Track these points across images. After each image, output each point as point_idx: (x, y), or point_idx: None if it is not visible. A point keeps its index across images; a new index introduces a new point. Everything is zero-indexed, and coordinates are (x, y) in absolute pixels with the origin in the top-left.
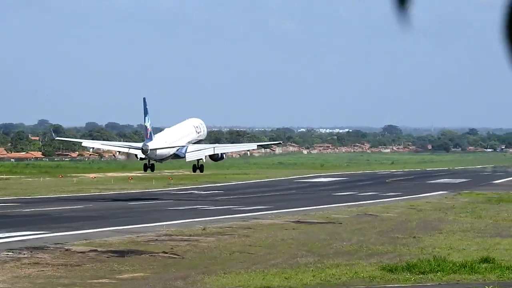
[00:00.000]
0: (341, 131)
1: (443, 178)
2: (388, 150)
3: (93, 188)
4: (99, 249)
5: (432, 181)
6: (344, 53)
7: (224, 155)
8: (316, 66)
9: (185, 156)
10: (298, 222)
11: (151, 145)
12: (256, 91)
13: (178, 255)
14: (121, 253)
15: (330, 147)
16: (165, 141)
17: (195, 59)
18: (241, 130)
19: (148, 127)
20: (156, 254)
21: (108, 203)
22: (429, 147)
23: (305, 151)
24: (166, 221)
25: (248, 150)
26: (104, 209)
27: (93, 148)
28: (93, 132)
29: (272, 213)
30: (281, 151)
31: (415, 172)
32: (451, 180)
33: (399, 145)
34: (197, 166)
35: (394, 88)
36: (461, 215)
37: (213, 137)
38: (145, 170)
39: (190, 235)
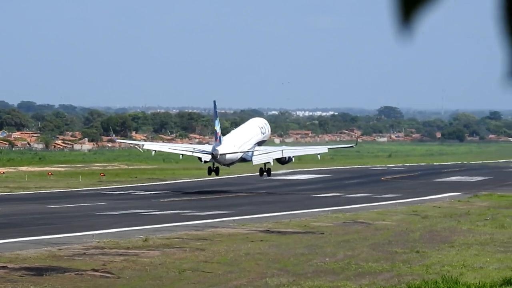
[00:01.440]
0: (324, 114)
1: (455, 176)
2: (385, 139)
3: (1, 187)
4: (9, 265)
5: (441, 180)
6: (328, 13)
7: (292, 158)
8: (292, 31)
9: (251, 160)
10: (268, 231)
11: (220, 149)
12: (213, 63)
13: (112, 273)
14: (39, 271)
15: (310, 134)
16: (233, 144)
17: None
18: (194, 112)
19: (218, 131)
20: (83, 273)
21: (21, 206)
22: (438, 135)
23: (277, 140)
24: (97, 230)
25: (318, 154)
26: (16, 214)
27: (155, 151)
28: (2, 113)
29: (234, 219)
30: None
31: (419, 167)
32: (465, 178)
33: (399, 132)
34: (264, 170)
35: (393, 58)
36: (478, 224)
37: (158, 120)
38: (209, 173)
39: (128, 248)
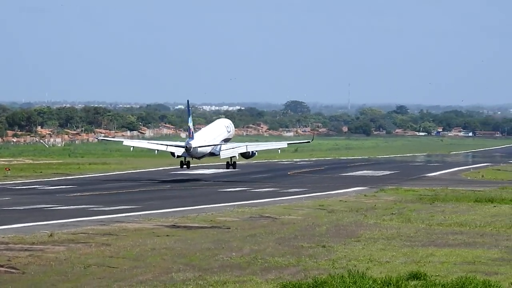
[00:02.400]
0: (230, 108)
1: (362, 170)
2: (292, 133)
3: None
4: None
5: (347, 174)
6: (235, 9)
7: (255, 152)
8: (200, 26)
9: (219, 154)
10: (174, 226)
11: (193, 143)
12: (120, 58)
13: (17, 269)
14: None
15: (197, 127)
16: (204, 139)
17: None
18: (100, 107)
19: (191, 127)
20: None
21: None
22: (345, 129)
23: (183, 134)
24: (1, 225)
25: (278, 148)
26: None
27: (133, 147)
28: None
29: (140, 214)
30: (152, 134)
31: (325, 161)
32: (372, 172)
33: (305, 126)
34: (230, 163)
35: (299, 53)
36: (384, 218)
37: (64, 115)
38: (181, 167)
39: (33, 243)
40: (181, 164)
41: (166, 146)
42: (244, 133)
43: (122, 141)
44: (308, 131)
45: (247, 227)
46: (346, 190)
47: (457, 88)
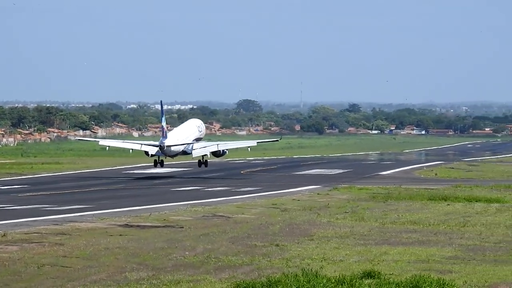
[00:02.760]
0: (183, 107)
1: (314, 169)
2: (244, 132)
3: None
4: None
5: (300, 172)
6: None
7: (226, 151)
8: (150, 25)
9: (191, 153)
10: (127, 226)
11: (167, 142)
12: (71, 57)
13: None
14: None
15: (169, 128)
16: (177, 139)
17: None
18: (52, 107)
19: (164, 127)
20: None
21: None
22: (297, 128)
23: (136, 133)
24: None
25: (248, 147)
26: None
27: (109, 147)
28: None
29: (93, 214)
30: (104, 134)
31: (278, 160)
32: (325, 170)
33: (258, 125)
34: (202, 162)
35: (251, 51)
36: (338, 217)
37: (16, 115)
38: (155, 165)
39: None
40: (155, 162)
41: (140, 145)
42: None
43: (98, 141)
44: (261, 130)
45: (200, 226)
46: (299, 189)
47: (409, 86)
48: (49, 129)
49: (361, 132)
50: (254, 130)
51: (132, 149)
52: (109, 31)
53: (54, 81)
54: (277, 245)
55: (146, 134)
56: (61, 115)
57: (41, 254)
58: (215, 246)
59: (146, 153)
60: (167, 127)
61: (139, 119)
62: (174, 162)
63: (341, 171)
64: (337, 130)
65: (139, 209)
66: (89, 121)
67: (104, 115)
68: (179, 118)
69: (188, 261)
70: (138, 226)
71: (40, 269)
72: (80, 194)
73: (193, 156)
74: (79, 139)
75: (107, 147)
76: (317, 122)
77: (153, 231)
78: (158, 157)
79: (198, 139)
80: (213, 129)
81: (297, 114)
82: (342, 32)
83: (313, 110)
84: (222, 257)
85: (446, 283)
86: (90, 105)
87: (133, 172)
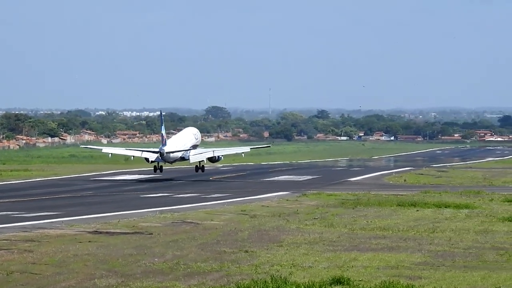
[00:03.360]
0: (151, 114)
1: (283, 175)
2: (213, 139)
3: None
4: None
5: (269, 179)
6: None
7: (221, 157)
8: (118, 30)
9: (189, 159)
10: (96, 232)
11: (166, 149)
12: (38, 64)
13: None
14: None
15: (138, 134)
16: (175, 146)
17: None
18: (20, 114)
19: (164, 135)
20: None
21: None
22: (266, 134)
23: (105, 140)
24: None
25: (242, 153)
26: None
27: (111, 154)
28: None
29: (62, 220)
30: (73, 141)
31: (247, 167)
32: (294, 177)
33: (227, 131)
34: (199, 167)
35: (220, 57)
36: (307, 223)
37: None
38: (155, 171)
39: None
40: (155, 168)
41: (141, 152)
42: None
43: (102, 149)
44: (230, 137)
45: (169, 232)
46: (268, 195)
47: (379, 92)
48: (17, 136)
49: (330, 139)
50: (223, 137)
51: (133, 156)
52: (78, 37)
53: (22, 88)
54: (246, 251)
55: (115, 141)
56: (30, 122)
57: (10, 261)
58: (184, 252)
59: (147, 159)
60: (166, 135)
61: (107, 126)
62: (143, 169)
63: (310, 177)
64: (305, 137)
65: (108, 216)
66: (57, 128)
67: (73, 122)
68: (148, 125)
69: (157, 268)
70: (107, 232)
71: (9, 276)
72: (49, 201)
73: (191, 161)
74: (84, 147)
75: (110, 155)
76: (285, 128)
77: (122, 238)
78: (158, 163)
79: (194, 146)
80: None
81: (266, 121)
82: (311, 38)
83: (282, 117)
84: (191, 264)
85: None
86: (59, 112)
87: (102, 179)
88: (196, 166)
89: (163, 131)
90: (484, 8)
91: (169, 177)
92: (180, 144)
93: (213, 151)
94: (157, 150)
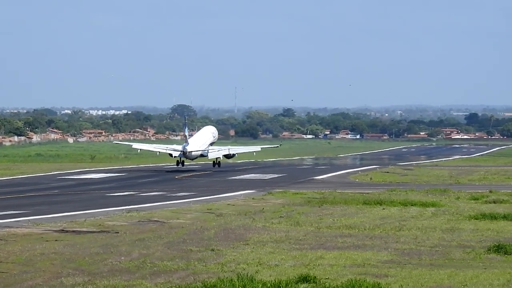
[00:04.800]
0: (117, 112)
1: (249, 173)
2: (179, 137)
3: None
4: None
5: (235, 177)
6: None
7: (236, 154)
8: (80, 24)
9: (207, 155)
10: (63, 231)
11: (189, 148)
12: (3, 62)
13: None
14: None
15: (104, 133)
16: (197, 145)
17: None
18: None
19: (187, 135)
20: None
21: None
22: (232, 133)
23: (71, 139)
24: None
25: (254, 152)
26: None
27: (140, 149)
28: None
29: (29, 219)
30: (39, 139)
31: (213, 165)
32: (259, 175)
33: (192, 130)
34: (216, 162)
35: (185, 56)
36: (273, 221)
37: None
38: (177, 165)
39: None
40: (177, 162)
41: (166, 148)
42: (131, 137)
43: (132, 145)
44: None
45: (135, 231)
46: (234, 193)
47: (344, 90)
48: None
49: (296, 137)
50: (189, 135)
51: (159, 152)
52: (44, 34)
53: None
54: (213, 249)
55: (81, 139)
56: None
57: None
58: (151, 251)
59: (170, 155)
60: (188, 134)
61: (73, 125)
62: (109, 167)
63: (275, 175)
64: (271, 135)
65: (74, 214)
66: (23, 127)
67: (39, 121)
68: (114, 123)
69: (124, 266)
70: (73, 231)
71: None
72: (15, 199)
73: (209, 158)
74: (116, 143)
75: (139, 150)
76: (251, 127)
77: (88, 237)
78: (180, 158)
79: (212, 143)
80: (147, 135)
81: (232, 119)
82: (276, 37)
83: (248, 115)
84: (157, 262)
85: (382, 287)
86: (25, 111)
87: (68, 178)
88: (214, 161)
89: (186, 132)
90: (447, 6)
91: (190, 169)
92: (201, 143)
93: (229, 149)
94: (180, 148)
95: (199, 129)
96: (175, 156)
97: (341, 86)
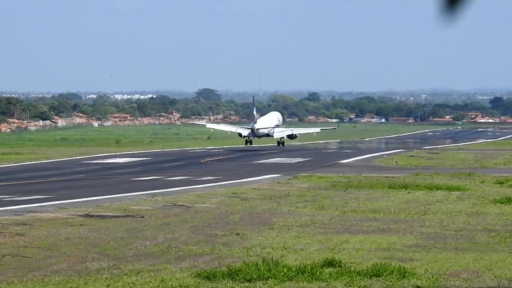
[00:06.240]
0: (142, 97)
1: (274, 157)
2: (204, 121)
3: None
4: None
5: (260, 161)
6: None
7: (298, 135)
8: (101, 9)
9: (273, 135)
10: (88, 216)
11: (257, 126)
12: (27, 48)
13: None
14: None
15: (129, 117)
16: (263, 124)
17: None
18: (12, 97)
19: (255, 115)
20: None
21: None
22: (257, 117)
23: (96, 123)
24: None
25: (314, 133)
26: None
27: (213, 129)
28: None
29: (53, 204)
30: (64, 124)
31: (238, 149)
32: (284, 159)
33: (218, 114)
34: (280, 142)
35: (210, 39)
36: (298, 206)
37: None
38: (246, 144)
39: None
40: (246, 142)
41: (236, 128)
42: (156, 122)
43: (205, 125)
44: (221, 119)
45: (160, 215)
46: (259, 177)
47: (369, 74)
48: (9, 119)
49: (321, 121)
50: (214, 119)
51: (230, 131)
52: (68, 20)
53: (14, 72)
54: (238, 234)
55: (106, 124)
56: (22, 105)
57: (2, 244)
58: (176, 235)
59: (240, 134)
60: (256, 115)
61: (98, 109)
62: (134, 151)
63: (301, 159)
64: (296, 119)
65: (99, 199)
66: (49, 111)
67: (64, 106)
68: (139, 107)
69: (149, 251)
70: (98, 216)
71: (1, 260)
72: (40, 184)
73: (274, 137)
74: (192, 124)
75: (212, 129)
76: (276, 110)
77: (113, 221)
78: (248, 137)
79: (277, 126)
80: (172, 119)
81: (257, 103)
82: (301, 21)
83: (273, 99)
84: (182, 247)
85: (407, 271)
86: (50, 96)
87: (93, 162)
88: (278, 141)
89: (255, 112)
90: None
91: (257, 148)
92: (267, 123)
93: (292, 130)
94: (249, 127)
95: (229, 114)
96: (244, 136)
97: (366, 69)
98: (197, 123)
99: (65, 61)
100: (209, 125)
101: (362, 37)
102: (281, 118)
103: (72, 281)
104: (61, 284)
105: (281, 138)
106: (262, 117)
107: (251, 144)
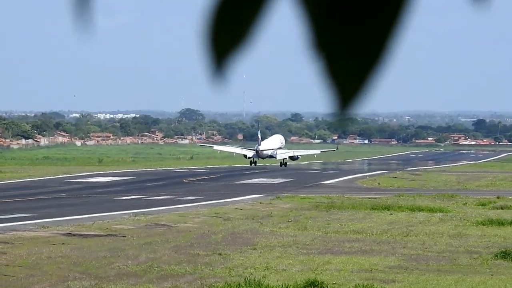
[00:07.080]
0: (125, 116)
1: (257, 178)
2: (187, 141)
3: None
4: None
5: (243, 181)
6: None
7: (299, 156)
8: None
9: (276, 156)
10: (70, 234)
11: (261, 148)
12: (11, 65)
13: None
14: None
15: (111, 137)
16: (267, 146)
17: None
18: None
19: (259, 137)
20: None
21: None
22: (240, 137)
23: (78, 142)
24: None
25: (314, 154)
26: None
27: (220, 151)
28: None
29: (35, 223)
30: (47, 143)
31: (220, 169)
32: (267, 180)
33: (201, 134)
34: (283, 163)
35: (194, 60)
36: (280, 226)
37: None
38: (250, 164)
39: None
40: (251, 162)
41: (242, 149)
42: (139, 141)
43: (213, 147)
44: (204, 139)
45: (143, 235)
46: (242, 197)
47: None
48: None
49: (304, 142)
50: (197, 139)
51: (235, 153)
52: (51, 40)
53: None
54: (220, 254)
55: (89, 143)
56: (4, 124)
57: None
58: (158, 255)
59: (245, 156)
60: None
61: (81, 128)
62: (116, 171)
63: (283, 180)
64: None
65: (81, 218)
66: (31, 130)
67: (47, 124)
68: (121, 127)
69: (131, 270)
70: (80, 235)
71: None
72: (22, 203)
73: (277, 159)
74: (200, 145)
75: (219, 151)
76: (260, 131)
77: (95, 240)
78: (253, 159)
79: (280, 148)
80: (155, 138)
81: (240, 123)
82: (283, 41)
83: (256, 120)
84: (164, 266)
85: None
86: (33, 114)
87: (75, 181)
88: (281, 162)
89: (259, 135)
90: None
91: (262, 167)
92: (270, 145)
93: (293, 151)
94: (253, 149)
95: (212, 134)
96: (249, 157)
97: None
98: (205, 144)
99: (48, 80)
100: (216, 147)
101: None
102: (284, 140)
103: None
104: None
105: (283, 159)
106: (266, 140)
107: (255, 164)
